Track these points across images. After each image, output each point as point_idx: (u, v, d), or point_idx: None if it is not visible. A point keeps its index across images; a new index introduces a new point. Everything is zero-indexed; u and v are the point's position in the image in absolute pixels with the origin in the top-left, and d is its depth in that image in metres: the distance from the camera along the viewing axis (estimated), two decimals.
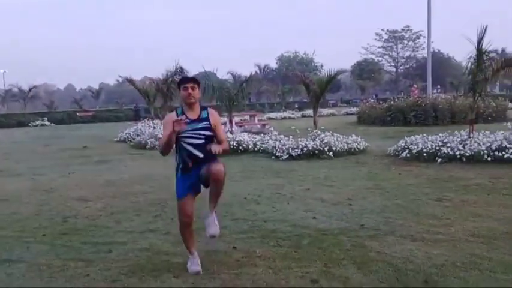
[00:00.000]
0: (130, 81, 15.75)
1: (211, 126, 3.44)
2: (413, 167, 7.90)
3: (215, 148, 3.28)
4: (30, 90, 43.86)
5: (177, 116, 3.43)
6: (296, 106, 45.54)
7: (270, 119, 26.91)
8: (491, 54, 8.55)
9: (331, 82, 10.15)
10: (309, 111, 34.96)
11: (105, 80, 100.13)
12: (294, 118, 29.72)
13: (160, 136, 4.73)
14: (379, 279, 3.23)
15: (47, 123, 34.24)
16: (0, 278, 3.56)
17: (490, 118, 16.90)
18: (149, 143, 13.25)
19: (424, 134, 9.16)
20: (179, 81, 3.57)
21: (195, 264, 3.46)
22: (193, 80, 3.51)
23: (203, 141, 3.39)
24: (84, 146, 14.41)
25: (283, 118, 29.36)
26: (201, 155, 3.38)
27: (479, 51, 8.53)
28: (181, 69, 13.63)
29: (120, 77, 16.41)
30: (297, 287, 3.18)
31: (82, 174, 8.81)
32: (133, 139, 14.83)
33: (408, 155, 8.56)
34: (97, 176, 8.41)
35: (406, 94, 41.96)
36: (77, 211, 5.65)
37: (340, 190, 6.28)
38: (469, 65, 9.04)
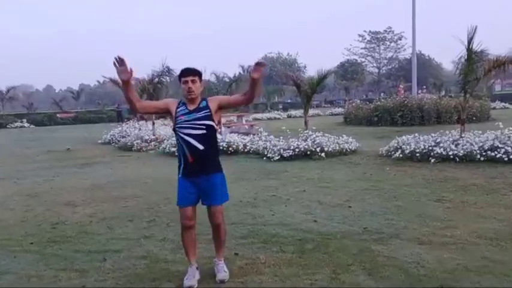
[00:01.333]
0: (115, 81, 15.35)
1: (211, 115, 3.22)
2: (407, 167, 7.84)
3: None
4: (8, 91, 42.74)
5: (178, 105, 3.26)
6: (280, 107, 45.58)
7: (256, 119, 26.74)
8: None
9: (322, 82, 10.06)
10: (295, 112, 35.01)
11: (85, 81, 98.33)
12: (280, 119, 29.65)
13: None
14: (393, 286, 3.10)
15: (26, 124, 33.33)
16: None
17: (474, 118, 17.11)
18: (135, 144, 12.94)
19: (416, 134, 9.12)
20: (179, 74, 3.30)
21: (190, 278, 3.22)
22: (194, 72, 3.24)
23: (203, 131, 3.18)
24: (68, 149, 13.99)
25: (269, 119, 29.27)
26: (201, 146, 3.16)
27: (470, 51, 8.53)
28: (168, 69, 13.34)
29: (104, 77, 15.92)
30: None
31: (67, 178, 8.49)
32: (119, 141, 14.48)
33: (401, 155, 8.52)
34: (83, 180, 8.11)
35: (389, 94, 42.36)
36: (65, 217, 5.38)
37: (337, 192, 6.16)
38: (459, 65, 9.06)
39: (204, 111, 3.21)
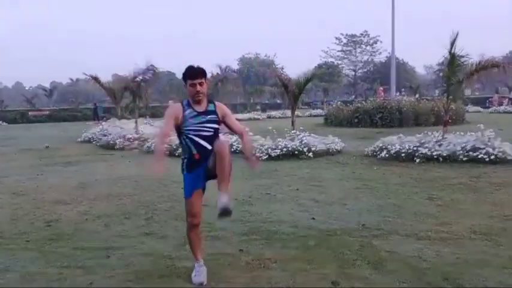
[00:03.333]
0: (96, 78, 15.09)
1: (218, 120, 3.24)
2: (393, 166, 8.04)
3: (253, 164, 3.33)
4: None
5: (183, 107, 3.20)
6: (258, 107, 45.68)
7: (236, 120, 26.65)
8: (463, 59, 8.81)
9: (310, 82, 10.19)
10: (274, 113, 35.20)
11: (57, 78, 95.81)
12: (259, 119, 29.70)
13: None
14: (400, 279, 3.19)
15: None
16: None
17: (450, 121, 17.59)
18: (118, 143, 12.75)
19: (401, 135, 9.36)
20: (185, 74, 3.21)
21: (199, 275, 3.24)
22: (201, 74, 3.20)
23: (211, 133, 3.19)
24: (47, 146, 13.64)
25: (250, 119, 29.25)
26: (209, 146, 3.16)
27: (452, 55, 8.83)
28: (153, 67, 13.20)
29: (85, 74, 15.60)
30: None
31: (52, 176, 8.29)
32: (100, 139, 14.22)
33: (386, 155, 8.73)
34: (69, 178, 7.94)
35: (365, 97, 43.11)
36: (58, 215, 5.27)
37: (330, 190, 6.26)
38: (442, 69, 9.35)
39: (212, 116, 3.22)
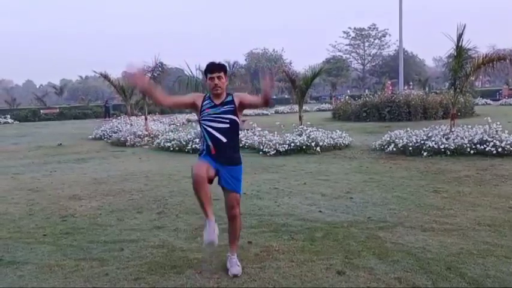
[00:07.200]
0: (105, 76, 15.29)
1: (235, 109, 3.30)
2: (400, 160, 8.11)
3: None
4: None
5: (204, 99, 3.36)
6: None
7: (244, 115, 26.78)
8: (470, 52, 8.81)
9: (317, 77, 10.26)
10: (282, 108, 35.23)
11: (67, 76, 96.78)
12: (267, 114, 29.77)
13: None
14: (403, 268, 3.29)
15: (10, 120, 32.72)
16: (11, 280, 3.39)
17: (459, 113, 17.55)
18: (129, 140, 12.95)
19: (408, 129, 9.41)
20: (205, 69, 3.36)
21: (211, 233, 3.12)
22: (219, 68, 3.32)
23: (227, 125, 3.28)
24: (59, 144, 13.90)
25: (257, 114, 29.33)
26: (224, 139, 3.26)
27: (460, 48, 8.83)
28: (162, 64, 13.35)
29: (95, 72, 15.82)
30: (325, 278, 3.21)
31: (66, 172, 8.50)
32: (111, 136, 14.45)
33: (394, 149, 8.79)
34: (83, 174, 8.14)
35: (373, 91, 42.92)
36: (73, 210, 5.45)
37: (337, 184, 6.37)
38: (448, 62, 9.36)
39: (228, 106, 3.31)
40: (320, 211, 4.97)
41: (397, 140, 8.97)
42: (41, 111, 38.21)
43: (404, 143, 8.74)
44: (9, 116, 33.95)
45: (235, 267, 3.38)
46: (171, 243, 4.07)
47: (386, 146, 9.09)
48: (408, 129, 9.43)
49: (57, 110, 38.91)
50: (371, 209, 4.96)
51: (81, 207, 5.57)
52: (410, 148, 8.57)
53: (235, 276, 3.31)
